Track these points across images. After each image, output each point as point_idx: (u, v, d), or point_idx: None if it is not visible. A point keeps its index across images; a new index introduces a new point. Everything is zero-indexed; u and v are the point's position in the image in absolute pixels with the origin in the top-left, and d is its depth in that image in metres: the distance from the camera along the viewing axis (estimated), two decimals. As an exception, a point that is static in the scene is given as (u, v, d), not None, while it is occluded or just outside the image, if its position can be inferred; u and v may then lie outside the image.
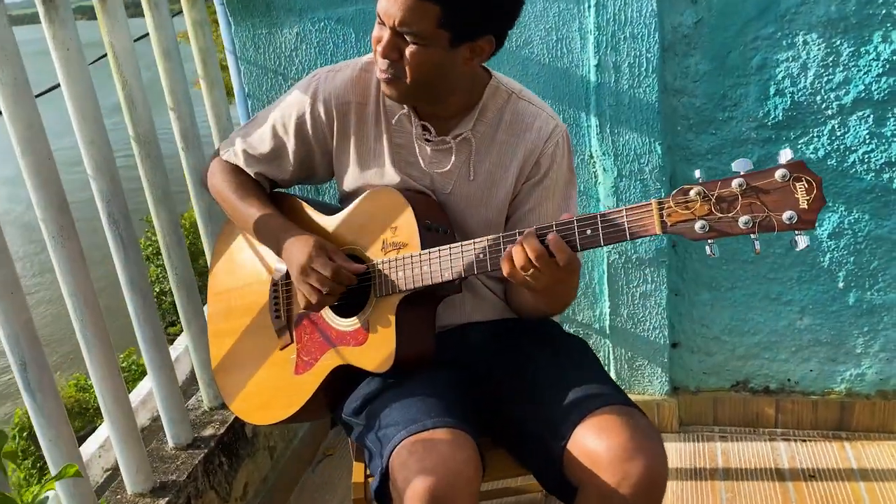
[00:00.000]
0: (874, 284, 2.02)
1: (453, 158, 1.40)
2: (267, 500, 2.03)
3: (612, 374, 2.15)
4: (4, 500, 1.02)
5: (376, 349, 1.36)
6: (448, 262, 1.30)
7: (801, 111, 1.91)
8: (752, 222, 1.08)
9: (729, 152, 1.98)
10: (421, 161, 1.42)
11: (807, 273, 2.05)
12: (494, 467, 1.36)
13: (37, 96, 1.44)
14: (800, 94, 1.89)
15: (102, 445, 2.01)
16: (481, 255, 1.27)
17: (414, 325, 1.37)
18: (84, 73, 1.54)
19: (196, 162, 1.90)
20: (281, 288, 1.50)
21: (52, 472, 1.43)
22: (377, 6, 1.25)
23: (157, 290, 8.54)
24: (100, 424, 1.92)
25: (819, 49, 1.85)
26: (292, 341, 1.48)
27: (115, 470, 1.83)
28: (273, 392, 1.50)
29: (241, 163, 1.53)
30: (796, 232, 1.08)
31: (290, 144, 1.47)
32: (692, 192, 1.11)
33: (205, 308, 1.88)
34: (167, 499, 1.65)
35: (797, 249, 1.08)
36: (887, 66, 1.83)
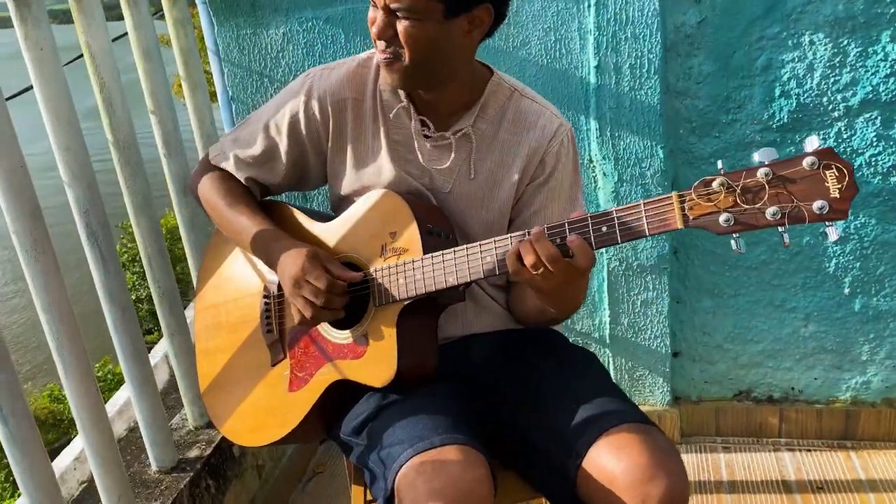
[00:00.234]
0: (881, 290, 1.97)
1: (453, 155, 1.34)
2: (255, 523, 1.94)
3: (613, 385, 2.09)
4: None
5: (376, 362, 1.28)
6: (453, 266, 1.23)
7: (806, 113, 1.86)
8: (780, 213, 1.02)
9: (733, 156, 1.92)
10: (420, 157, 1.35)
11: (812, 279, 2.00)
12: (505, 489, 1.28)
13: (7, 99, 1.35)
14: (806, 95, 1.84)
15: (78, 458, 1.90)
16: (488, 258, 1.20)
17: (416, 336, 1.29)
18: (58, 75, 1.45)
19: (179, 168, 1.80)
20: (273, 301, 1.42)
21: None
22: None
23: (134, 297, 8.37)
24: (74, 436, 1.83)
25: (826, 49, 1.80)
26: (285, 357, 1.40)
27: (91, 482, 1.73)
28: (265, 411, 1.41)
29: (231, 167, 1.46)
30: (826, 223, 1.02)
31: (283, 146, 1.40)
32: (715, 184, 1.05)
33: (189, 319, 1.79)
34: (151, 527, 1.56)
35: (828, 242, 1.02)
36: (895, 66, 1.78)
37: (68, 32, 1.59)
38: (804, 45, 1.81)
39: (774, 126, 1.88)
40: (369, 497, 1.39)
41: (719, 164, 1.06)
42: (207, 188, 1.46)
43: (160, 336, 1.92)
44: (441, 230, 1.30)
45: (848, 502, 1.91)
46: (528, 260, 1.13)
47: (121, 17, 1.72)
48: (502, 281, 1.42)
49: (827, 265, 1.98)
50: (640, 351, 2.12)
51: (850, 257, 1.95)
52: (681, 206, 1.07)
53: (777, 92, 1.86)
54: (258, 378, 1.43)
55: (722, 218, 1.05)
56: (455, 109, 1.34)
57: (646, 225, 1.09)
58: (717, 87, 1.88)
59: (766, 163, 1.03)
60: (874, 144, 1.85)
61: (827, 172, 1.00)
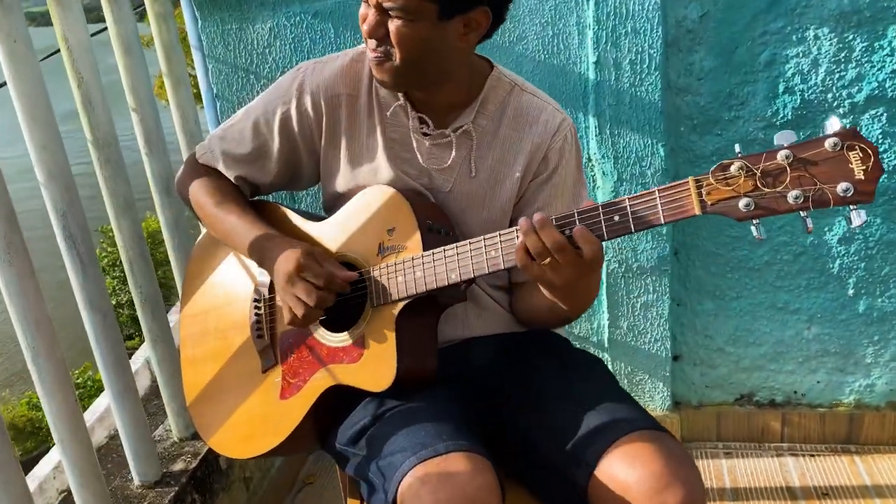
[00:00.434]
0: (885, 291, 1.93)
1: (454, 153, 1.28)
2: (243, 537, 1.86)
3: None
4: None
5: (374, 366, 1.21)
6: (455, 262, 1.16)
7: (811, 110, 1.81)
8: (802, 197, 0.97)
9: (735, 154, 1.87)
10: (419, 157, 1.30)
11: (815, 280, 1.95)
12: (511, 500, 1.22)
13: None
14: (810, 91, 1.80)
15: (57, 467, 1.82)
16: (493, 252, 1.14)
17: (416, 337, 1.23)
18: (34, 69, 1.37)
19: (161, 168, 1.73)
20: (264, 304, 1.35)
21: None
22: None
23: (114, 301, 8.25)
24: (53, 445, 1.75)
25: (831, 44, 1.76)
26: (277, 363, 1.33)
27: (70, 492, 1.66)
28: (256, 421, 1.34)
29: (219, 165, 1.39)
30: (851, 207, 0.97)
31: (274, 143, 1.34)
32: (733, 168, 0.99)
33: (172, 326, 1.72)
34: (134, 545, 1.48)
35: (852, 226, 0.97)
36: (901, 61, 1.74)
37: (46, 35, 1.51)
38: (808, 40, 1.77)
39: (778, 123, 1.83)
40: (367, 511, 1.31)
41: (737, 147, 1.01)
42: (195, 187, 1.39)
43: (141, 341, 1.84)
44: (441, 227, 1.25)
45: (855, 509, 1.87)
46: (535, 249, 1.08)
47: (100, 20, 1.64)
48: (504, 282, 1.37)
49: (831, 266, 1.93)
50: (639, 355, 2.07)
51: (855, 257, 1.91)
52: (698, 191, 1.02)
53: (781, 88, 1.81)
54: (248, 386, 1.36)
55: (742, 203, 0.99)
56: (454, 106, 1.29)
57: (661, 212, 1.04)
58: (719, 83, 1.84)
59: (786, 145, 0.98)
60: (880, 142, 1.81)
61: (851, 153, 0.95)
